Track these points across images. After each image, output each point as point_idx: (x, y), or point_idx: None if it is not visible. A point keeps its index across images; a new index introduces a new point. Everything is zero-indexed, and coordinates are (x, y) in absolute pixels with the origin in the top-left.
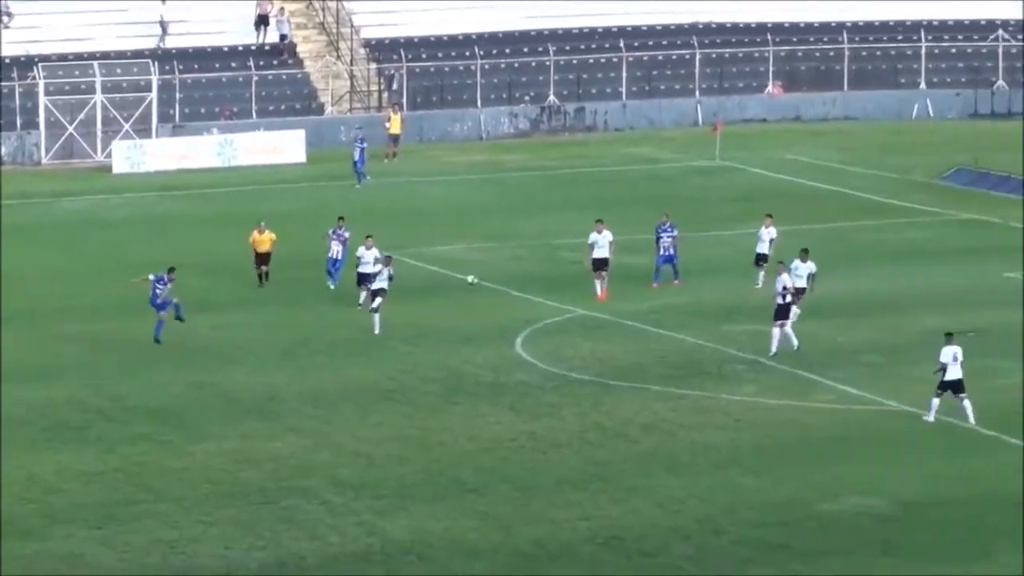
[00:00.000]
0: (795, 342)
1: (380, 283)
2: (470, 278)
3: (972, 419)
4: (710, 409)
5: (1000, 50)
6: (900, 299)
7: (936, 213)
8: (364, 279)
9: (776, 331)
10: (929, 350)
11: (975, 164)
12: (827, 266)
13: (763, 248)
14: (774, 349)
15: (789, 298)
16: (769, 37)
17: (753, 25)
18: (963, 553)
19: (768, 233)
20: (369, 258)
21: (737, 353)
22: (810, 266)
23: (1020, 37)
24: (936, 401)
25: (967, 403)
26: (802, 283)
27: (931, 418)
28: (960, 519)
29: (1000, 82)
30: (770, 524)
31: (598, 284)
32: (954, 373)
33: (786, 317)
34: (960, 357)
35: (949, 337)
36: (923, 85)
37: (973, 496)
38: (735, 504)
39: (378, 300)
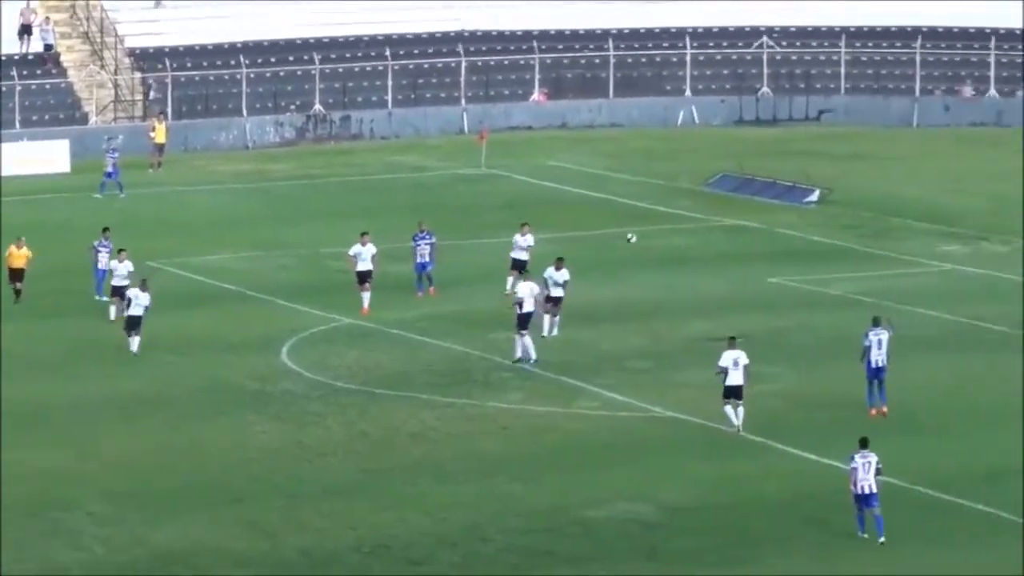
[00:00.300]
0: (533, 355)
1: (136, 310)
2: (631, 236)
3: (740, 428)
4: (477, 417)
5: (765, 57)
6: (665, 305)
7: (701, 219)
8: (116, 292)
9: (518, 339)
10: (695, 356)
11: (740, 170)
12: (593, 273)
13: (520, 255)
14: (518, 354)
15: (529, 307)
16: (535, 44)
17: (519, 33)
18: (728, 557)
19: (525, 240)
20: (123, 271)
21: (503, 361)
22: (564, 274)
23: (784, 44)
24: (729, 409)
25: (740, 411)
26: (559, 291)
27: (733, 427)
28: (725, 524)
29: (765, 89)
30: (537, 531)
31: (365, 297)
32: (735, 379)
33: (525, 327)
34: (743, 362)
35: (732, 341)
36: (688, 92)
37: (738, 501)
38: (502, 511)
39: (135, 339)
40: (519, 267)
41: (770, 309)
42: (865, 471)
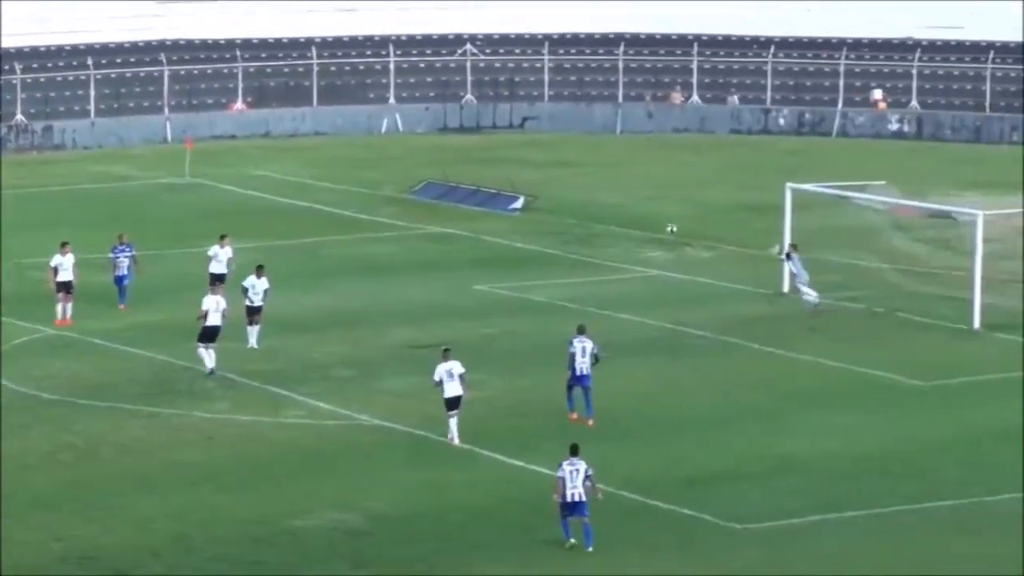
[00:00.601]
0: (210, 365)
1: None
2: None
3: (455, 439)
4: (183, 427)
5: (468, 64)
6: (371, 313)
7: (405, 227)
8: None
9: (203, 352)
10: (400, 363)
11: (444, 178)
12: (297, 281)
13: (218, 268)
14: (209, 366)
15: (220, 320)
16: (238, 53)
17: (222, 41)
18: (436, 564)
19: (225, 253)
20: None
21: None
22: (264, 283)
23: (488, 51)
24: (453, 422)
25: (453, 421)
26: (259, 300)
27: (455, 440)
28: (432, 531)
29: (469, 96)
30: (244, 541)
31: (60, 308)
32: (452, 390)
33: (208, 340)
34: (458, 371)
35: (446, 353)
36: (392, 100)
37: (445, 508)
38: (209, 521)
39: None
40: (218, 280)
41: (475, 316)
42: (573, 479)
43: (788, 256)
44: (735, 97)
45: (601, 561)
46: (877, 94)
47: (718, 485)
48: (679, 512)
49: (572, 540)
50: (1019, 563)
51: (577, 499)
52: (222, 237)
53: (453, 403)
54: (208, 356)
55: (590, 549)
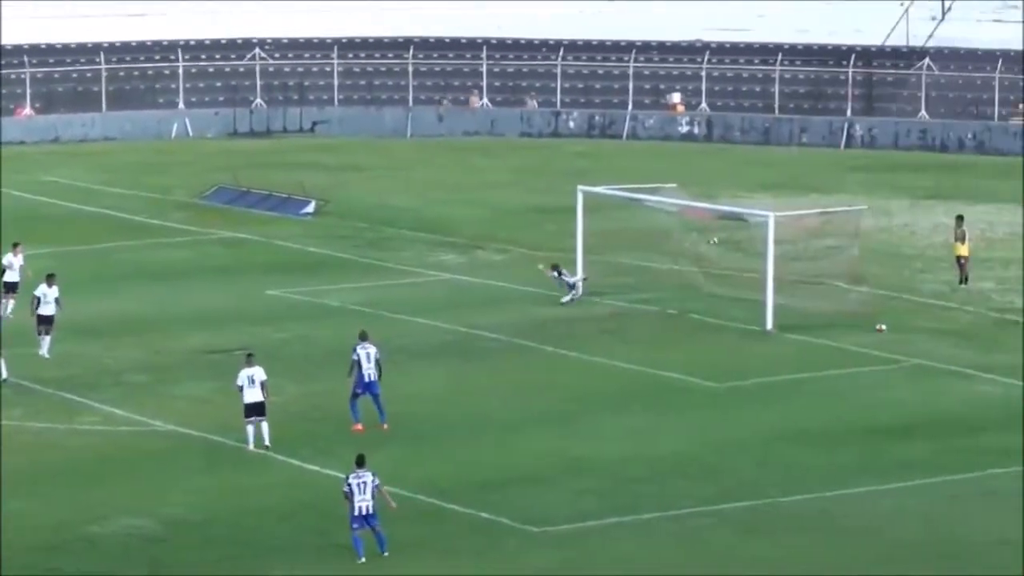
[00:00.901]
0: (4, 373)
1: None
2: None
3: (252, 445)
4: None
5: (258, 68)
6: (164, 318)
7: (197, 232)
8: None
9: None
10: (194, 369)
11: (235, 183)
12: (90, 287)
13: (12, 276)
14: (4, 375)
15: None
16: (26, 59)
17: (9, 47)
18: (233, 568)
19: (17, 261)
20: None
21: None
22: (55, 291)
23: (277, 56)
24: (250, 429)
25: (264, 427)
26: (51, 309)
27: (251, 446)
28: (228, 536)
29: (259, 100)
30: (40, 548)
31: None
32: (252, 396)
33: None
34: (260, 378)
35: (249, 359)
36: (182, 105)
37: (241, 512)
38: (4, 529)
39: None
40: (11, 289)
41: (269, 321)
42: (362, 492)
43: (559, 273)
44: (535, 101)
45: (398, 565)
46: (675, 97)
47: (514, 488)
48: (476, 516)
49: (364, 559)
50: (813, 564)
51: (366, 512)
52: (15, 245)
53: (252, 409)
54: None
55: (386, 554)
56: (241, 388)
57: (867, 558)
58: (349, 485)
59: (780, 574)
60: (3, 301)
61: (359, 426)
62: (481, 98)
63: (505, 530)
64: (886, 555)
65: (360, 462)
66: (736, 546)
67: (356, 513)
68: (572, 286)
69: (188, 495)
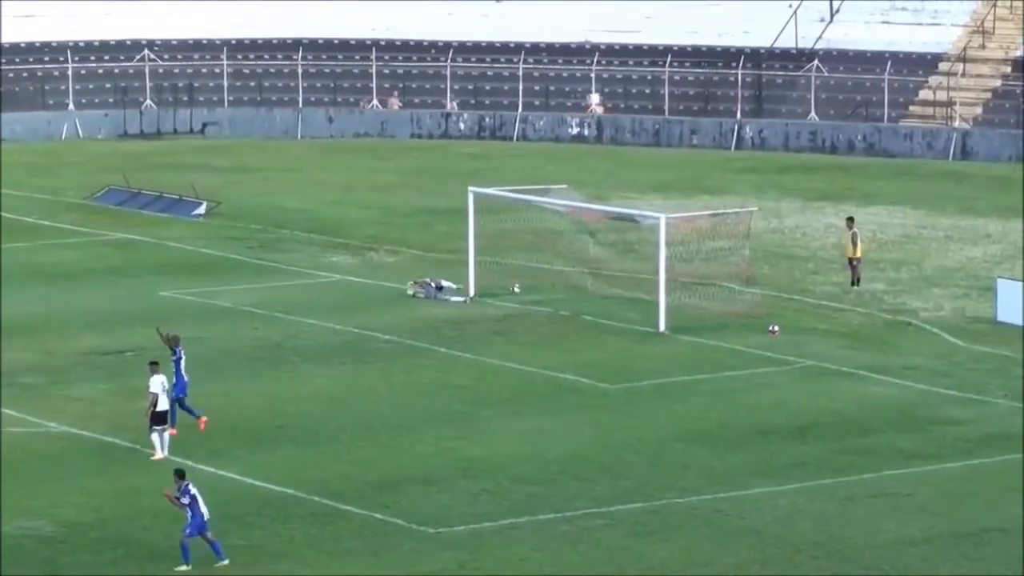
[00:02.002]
0: None
1: None
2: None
3: (166, 451)
4: None
5: (147, 69)
6: (55, 320)
7: (88, 233)
8: None
9: None
10: (86, 370)
11: (126, 184)
12: None
13: None
14: None
15: None
16: None
17: None
18: (129, 569)
19: None
20: None
21: None
22: None
23: (167, 57)
24: (155, 437)
25: (167, 435)
26: None
27: (162, 455)
28: (124, 537)
29: (148, 102)
30: None
31: None
32: (163, 404)
33: None
34: (167, 385)
35: (154, 366)
36: (72, 106)
37: (135, 514)
38: None
39: None
40: None
41: (161, 322)
42: (201, 501)
43: (436, 284)
44: (455, 103)
45: (292, 567)
46: (594, 99)
47: (408, 489)
48: (371, 516)
49: (189, 566)
50: (708, 564)
51: (204, 518)
52: None
53: (163, 418)
54: None
55: (226, 561)
56: (156, 396)
57: (761, 559)
58: (190, 498)
59: (673, 575)
60: None
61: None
62: (366, 99)
63: (401, 531)
64: (781, 556)
65: (182, 475)
66: (631, 547)
67: (206, 518)
68: (440, 288)
69: (83, 496)
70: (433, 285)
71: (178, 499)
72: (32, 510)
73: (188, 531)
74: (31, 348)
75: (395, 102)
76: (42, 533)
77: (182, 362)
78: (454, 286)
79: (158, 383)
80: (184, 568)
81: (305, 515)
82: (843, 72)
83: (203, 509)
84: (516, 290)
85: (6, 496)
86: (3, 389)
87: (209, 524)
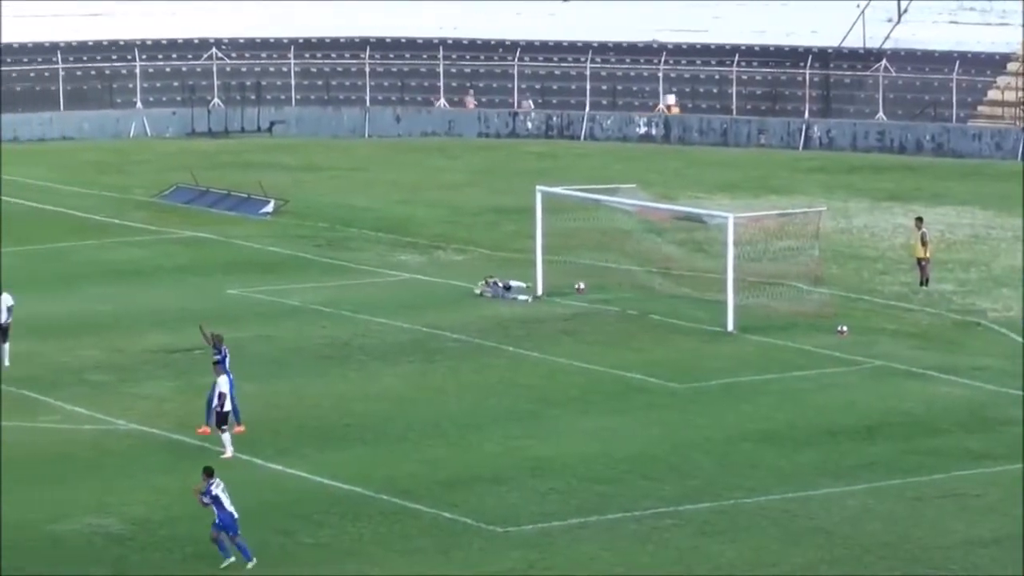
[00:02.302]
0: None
1: None
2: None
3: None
4: None
5: (215, 68)
6: (124, 318)
7: (156, 231)
8: None
9: None
10: (154, 368)
11: (194, 182)
12: (49, 286)
13: None
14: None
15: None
16: None
17: None
18: (196, 569)
19: None
20: None
21: None
22: (8, 298)
23: (234, 55)
24: (226, 436)
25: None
26: (5, 317)
27: (231, 453)
28: (191, 535)
29: (216, 100)
30: (3, 547)
31: None
32: (228, 405)
33: None
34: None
35: (218, 366)
36: (139, 104)
37: (203, 512)
38: None
39: None
40: None
41: (229, 320)
42: (227, 501)
43: (504, 285)
44: (530, 102)
45: (361, 565)
46: (670, 99)
47: (477, 488)
48: (439, 515)
49: (232, 558)
50: (775, 565)
51: (232, 519)
52: None
53: (227, 417)
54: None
55: (254, 562)
56: (223, 396)
57: (830, 559)
58: (214, 495)
59: (742, 575)
60: None
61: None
62: (434, 98)
63: (470, 530)
64: (849, 556)
65: (211, 473)
66: (699, 546)
67: (235, 518)
68: (508, 288)
69: (151, 494)
70: (501, 285)
71: (202, 496)
72: (102, 508)
73: (216, 530)
74: (100, 346)
75: (471, 100)
76: (111, 531)
77: (227, 361)
78: (523, 286)
79: (225, 383)
80: (227, 563)
81: (374, 514)
82: (911, 72)
83: (229, 508)
84: (581, 289)
85: (77, 492)
86: (72, 387)
87: (238, 524)
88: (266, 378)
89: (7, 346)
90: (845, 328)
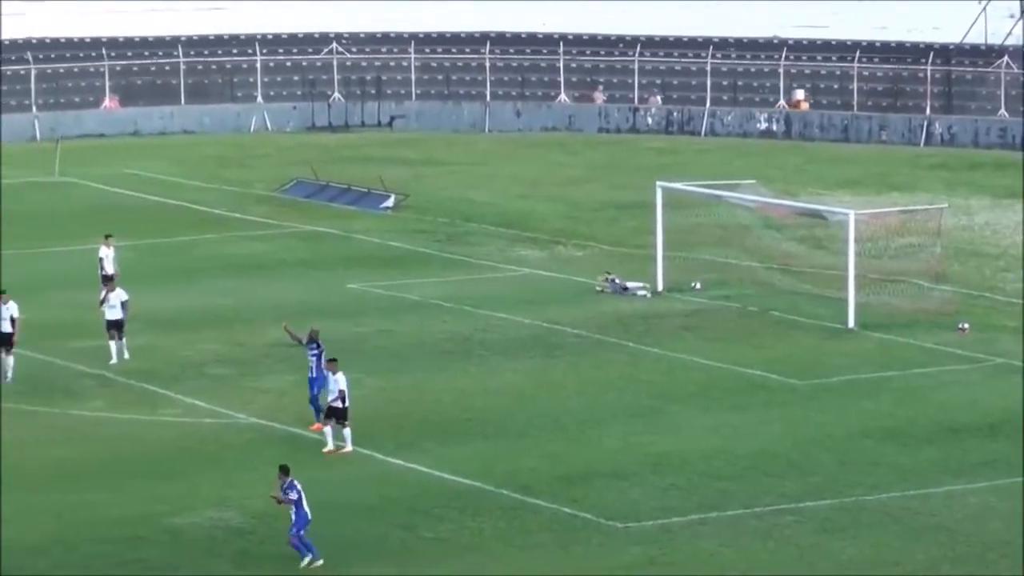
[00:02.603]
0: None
1: None
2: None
3: (331, 444)
4: (59, 425)
5: (335, 62)
6: (244, 312)
7: (277, 225)
8: None
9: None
10: (275, 362)
11: (314, 176)
12: (171, 279)
13: (108, 268)
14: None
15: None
16: (104, 51)
17: (87, 39)
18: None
19: (110, 252)
20: None
21: (85, 369)
22: (121, 294)
23: (354, 50)
24: (347, 432)
25: (347, 431)
26: (117, 313)
27: (333, 447)
28: (312, 529)
29: (336, 95)
30: (123, 539)
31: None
32: (338, 400)
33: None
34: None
35: (333, 363)
36: (260, 99)
37: (325, 506)
38: (87, 520)
39: None
40: (108, 280)
41: (349, 315)
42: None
43: (621, 285)
44: (658, 98)
45: (481, 560)
46: (799, 94)
47: (597, 483)
48: (560, 511)
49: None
50: (897, 563)
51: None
52: (106, 237)
53: (336, 412)
54: (112, 348)
55: (321, 561)
56: (343, 392)
57: (952, 557)
58: (296, 494)
59: (863, 573)
60: (104, 294)
61: (317, 426)
62: (554, 93)
63: (590, 525)
64: (971, 554)
65: (287, 471)
66: (820, 544)
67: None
68: (626, 288)
69: (270, 488)
70: (619, 283)
71: (285, 495)
72: (222, 501)
73: (294, 529)
74: (220, 339)
75: (599, 95)
76: (232, 524)
77: (322, 357)
78: (640, 285)
79: (343, 379)
80: (307, 561)
81: (494, 508)
82: None
83: (306, 509)
84: (697, 287)
85: (198, 486)
86: (193, 380)
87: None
88: (387, 373)
89: (121, 343)
90: (966, 325)
